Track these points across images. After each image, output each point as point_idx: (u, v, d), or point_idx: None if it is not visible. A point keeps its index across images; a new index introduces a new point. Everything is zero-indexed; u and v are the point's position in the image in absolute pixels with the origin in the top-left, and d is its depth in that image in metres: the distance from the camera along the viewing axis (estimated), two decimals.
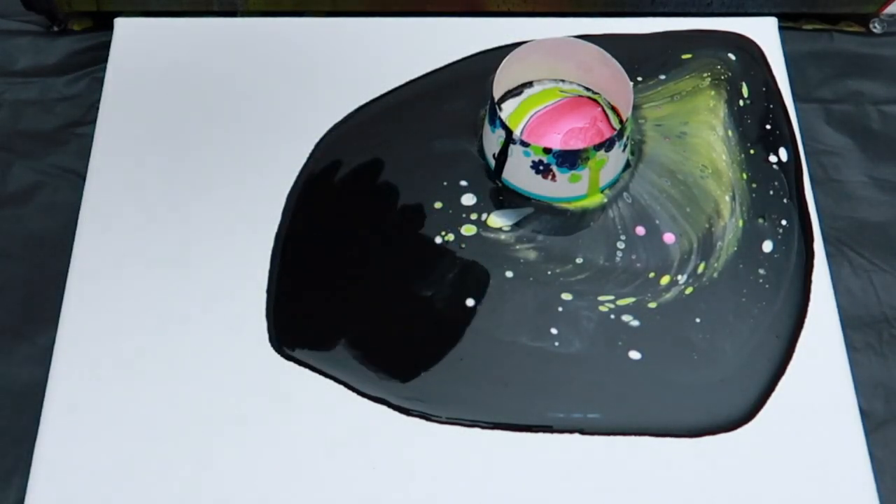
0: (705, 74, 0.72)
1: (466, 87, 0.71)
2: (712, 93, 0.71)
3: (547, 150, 0.63)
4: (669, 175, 0.67)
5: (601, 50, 0.67)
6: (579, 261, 0.64)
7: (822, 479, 0.57)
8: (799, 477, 0.57)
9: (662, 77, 0.72)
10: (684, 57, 0.73)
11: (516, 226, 0.66)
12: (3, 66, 0.79)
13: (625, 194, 0.67)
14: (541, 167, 0.64)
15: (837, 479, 0.57)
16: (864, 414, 0.61)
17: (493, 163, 0.67)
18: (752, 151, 0.69)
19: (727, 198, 0.67)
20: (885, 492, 0.61)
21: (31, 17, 0.81)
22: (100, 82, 0.74)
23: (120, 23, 0.74)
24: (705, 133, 0.69)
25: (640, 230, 0.65)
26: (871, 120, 0.78)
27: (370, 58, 0.73)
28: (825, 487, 0.57)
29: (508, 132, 0.64)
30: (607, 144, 0.63)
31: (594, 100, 0.70)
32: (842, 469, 0.58)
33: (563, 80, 0.71)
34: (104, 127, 0.70)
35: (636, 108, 0.70)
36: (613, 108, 0.69)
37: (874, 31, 0.81)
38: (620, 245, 0.65)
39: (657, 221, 0.66)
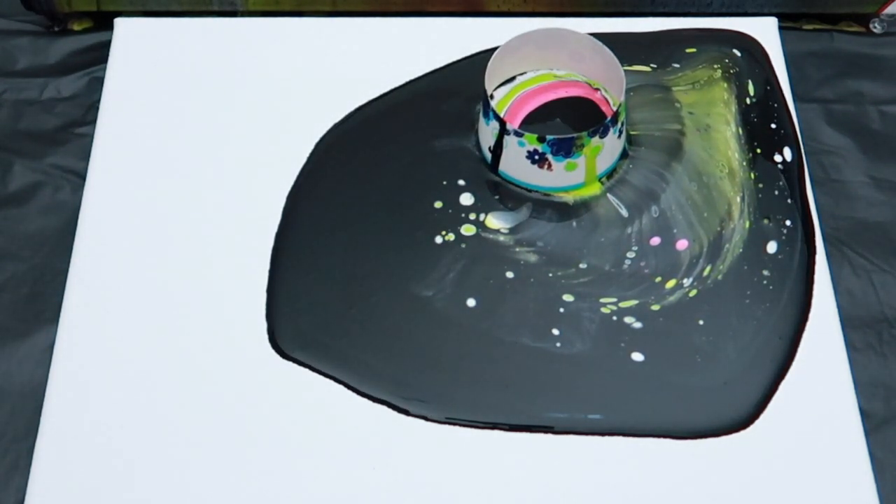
0: (716, 66, 0.71)
1: (466, 87, 0.71)
2: (725, 85, 0.71)
3: (541, 139, 0.63)
4: (698, 178, 0.67)
5: (592, 38, 0.67)
6: (583, 266, 0.64)
7: (822, 479, 0.57)
8: (799, 477, 0.57)
9: (676, 65, 0.72)
10: (688, 51, 0.73)
11: (517, 228, 0.65)
12: (3, 66, 0.79)
13: (654, 207, 0.66)
14: (536, 156, 0.64)
15: (837, 480, 0.57)
16: (864, 414, 0.61)
17: (489, 156, 0.67)
18: (758, 150, 0.69)
19: (738, 199, 0.66)
20: (885, 492, 0.61)
21: (31, 17, 0.81)
22: (100, 82, 0.74)
23: (120, 23, 0.74)
24: (722, 128, 0.69)
25: (655, 241, 0.65)
26: (871, 120, 0.78)
27: (370, 58, 0.73)
28: (825, 488, 0.57)
29: (502, 123, 0.64)
30: (601, 130, 0.63)
31: (590, 84, 0.70)
32: (842, 469, 0.58)
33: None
34: (104, 127, 0.70)
35: (667, 90, 0.69)
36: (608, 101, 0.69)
37: (874, 31, 0.81)
38: (630, 255, 0.64)
39: (675, 231, 0.65)
